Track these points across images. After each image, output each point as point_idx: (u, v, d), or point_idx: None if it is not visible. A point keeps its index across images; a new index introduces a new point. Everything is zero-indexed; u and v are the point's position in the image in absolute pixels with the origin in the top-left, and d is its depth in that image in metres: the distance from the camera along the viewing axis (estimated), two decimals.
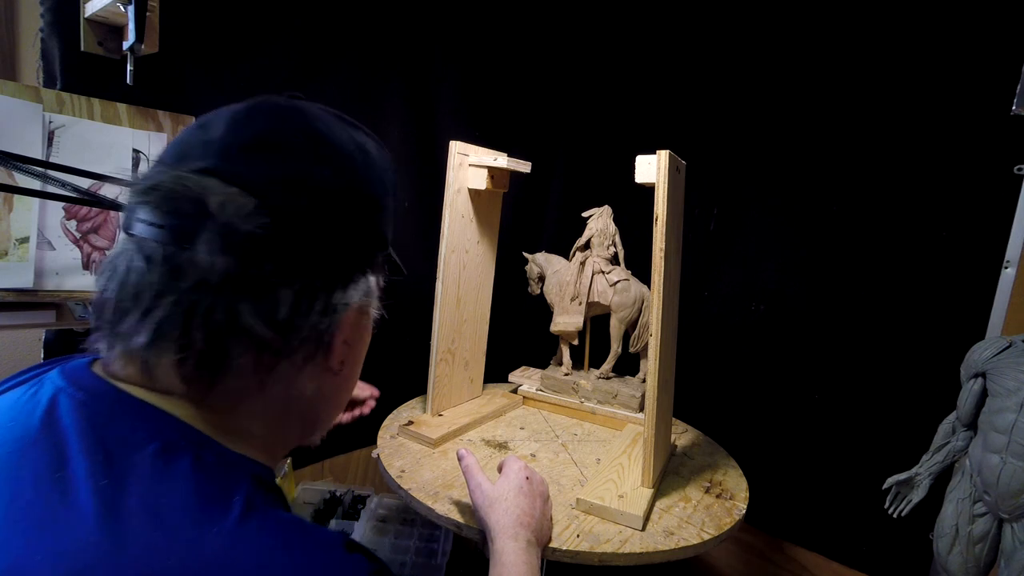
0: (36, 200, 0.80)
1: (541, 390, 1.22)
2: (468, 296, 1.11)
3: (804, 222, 1.19)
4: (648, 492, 0.83)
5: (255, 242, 0.35)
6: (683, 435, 1.14)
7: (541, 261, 1.26)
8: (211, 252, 0.34)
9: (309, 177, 0.38)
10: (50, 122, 0.81)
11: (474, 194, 1.07)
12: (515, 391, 1.24)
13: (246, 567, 0.31)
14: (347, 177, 0.40)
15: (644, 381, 1.16)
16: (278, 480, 0.75)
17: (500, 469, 0.75)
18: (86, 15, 0.82)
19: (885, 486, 0.88)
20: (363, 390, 0.89)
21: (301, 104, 0.42)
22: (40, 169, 0.71)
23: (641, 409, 1.12)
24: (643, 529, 0.77)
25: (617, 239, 1.20)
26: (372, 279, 0.43)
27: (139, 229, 0.36)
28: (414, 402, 1.16)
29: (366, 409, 0.89)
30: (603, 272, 1.17)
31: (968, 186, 0.99)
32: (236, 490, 0.35)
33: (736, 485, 0.94)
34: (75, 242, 0.85)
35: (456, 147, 1.02)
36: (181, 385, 0.37)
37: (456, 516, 0.76)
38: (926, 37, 1.03)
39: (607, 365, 1.19)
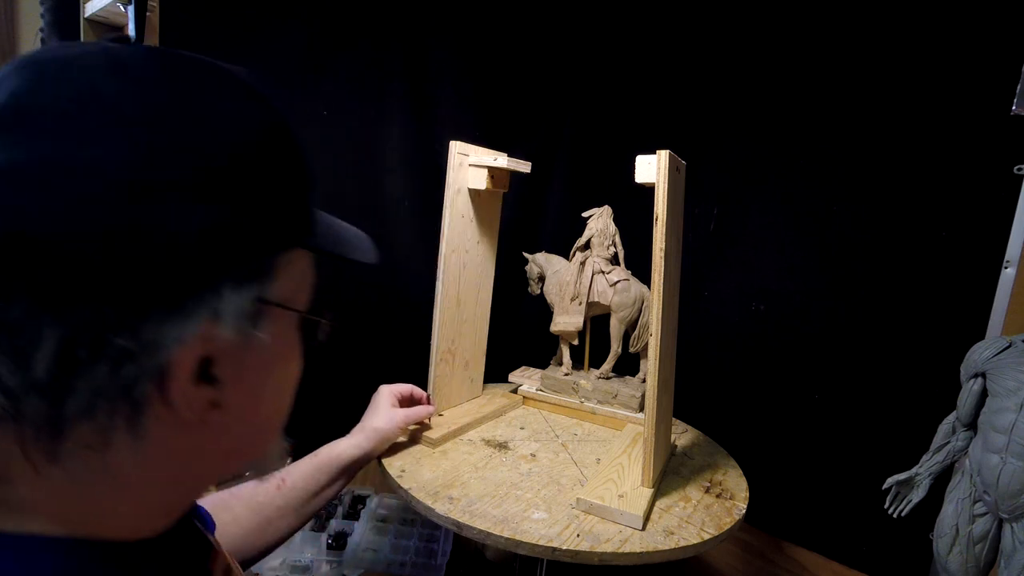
0: None
1: (541, 390, 1.22)
2: (468, 296, 1.11)
3: (804, 222, 1.19)
4: (648, 492, 0.83)
5: None
6: (683, 435, 1.14)
7: (541, 261, 1.26)
8: None
9: (73, 159, 0.25)
10: None
11: (474, 194, 1.07)
12: (515, 391, 1.24)
13: None
14: (141, 152, 0.26)
15: (644, 381, 1.16)
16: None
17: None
18: (86, 15, 0.83)
19: (885, 486, 0.88)
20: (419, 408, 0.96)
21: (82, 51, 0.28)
22: None
23: (641, 409, 1.12)
24: (643, 529, 0.77)
25: (617, 239, 1.20)
26: (249, 290, 0.30)
27: None
28: None
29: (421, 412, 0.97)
30: (603, 272, 1.17)
31: (968, 186, 0.99)
32: None
33: (736, 485, 0.94)
34: None
35: (456, 147, 1.02)
36: None
37: (456, 516, 0.76)
38: (926, 37, 1.03)
39: (607, 365, 1.19)
